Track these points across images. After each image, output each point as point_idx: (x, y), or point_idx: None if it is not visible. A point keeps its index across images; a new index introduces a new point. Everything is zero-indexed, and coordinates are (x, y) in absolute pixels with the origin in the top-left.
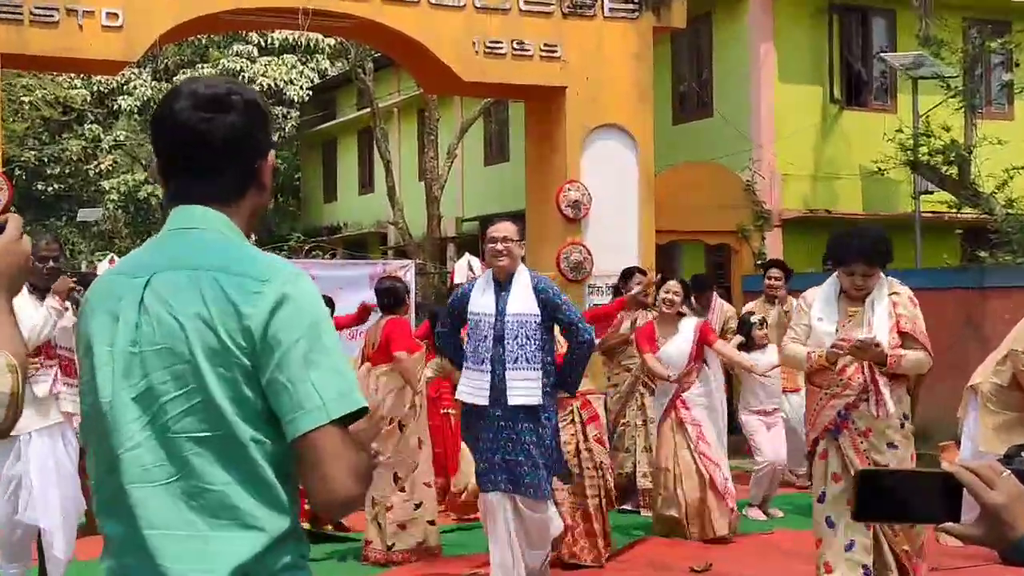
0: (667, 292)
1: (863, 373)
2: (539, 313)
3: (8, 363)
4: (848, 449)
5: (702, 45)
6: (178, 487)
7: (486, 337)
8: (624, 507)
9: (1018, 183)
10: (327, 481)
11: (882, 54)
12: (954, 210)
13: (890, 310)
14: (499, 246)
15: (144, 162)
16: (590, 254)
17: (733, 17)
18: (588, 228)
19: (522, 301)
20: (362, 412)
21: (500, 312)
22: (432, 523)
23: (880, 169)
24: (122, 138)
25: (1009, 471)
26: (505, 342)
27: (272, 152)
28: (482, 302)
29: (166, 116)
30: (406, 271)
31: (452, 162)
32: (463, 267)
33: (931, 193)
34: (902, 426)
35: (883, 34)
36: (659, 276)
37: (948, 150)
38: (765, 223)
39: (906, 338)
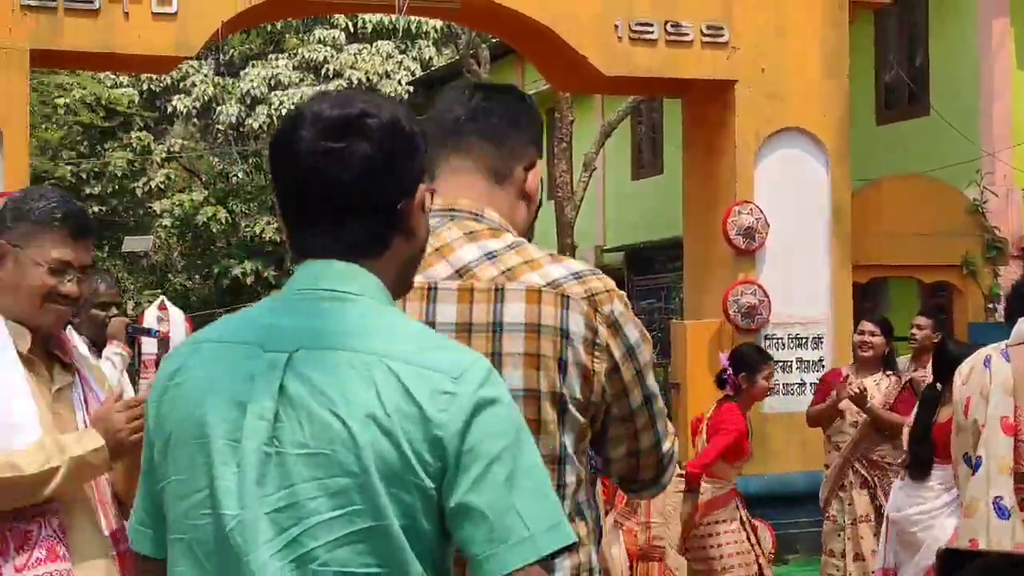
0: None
1: None
2: None
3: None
4: None
5: (916, 22)
6: None
7: None
8: None
9: None
10: None
11: None
12: None
13: None
14: None
15: (204, 178)
16: (767, 296)
17: None
18: (764, 263)
19: None
20: (572, 548)
21: None
22: None
23: None
24: (177, 148)
25: None
26: None
27: (420, 187)
28: None
29: (285, 145)
30: None
31: (590, 176)
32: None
33: None
34: None
35: None
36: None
37: None
38: (999, 255)
39: None
